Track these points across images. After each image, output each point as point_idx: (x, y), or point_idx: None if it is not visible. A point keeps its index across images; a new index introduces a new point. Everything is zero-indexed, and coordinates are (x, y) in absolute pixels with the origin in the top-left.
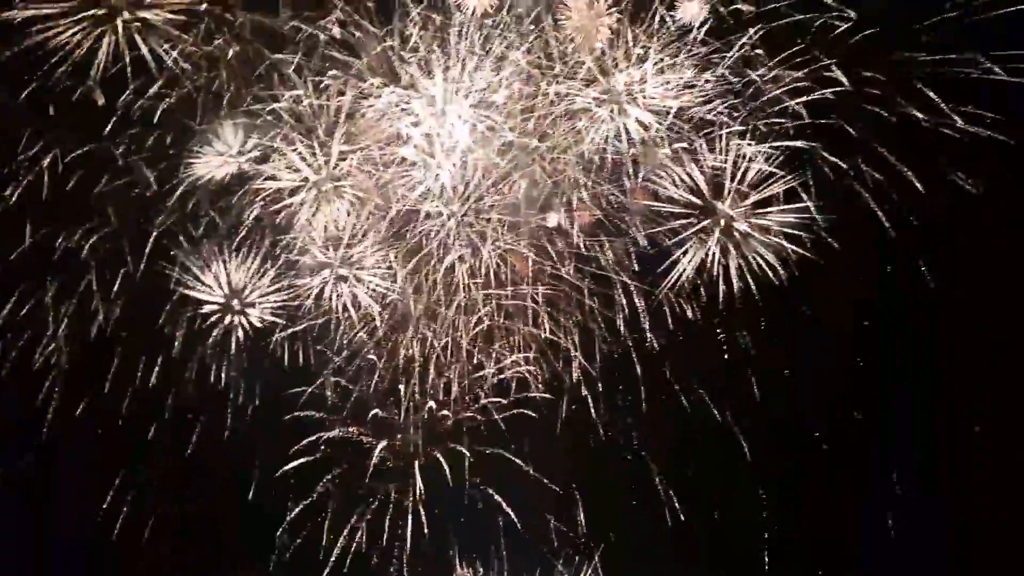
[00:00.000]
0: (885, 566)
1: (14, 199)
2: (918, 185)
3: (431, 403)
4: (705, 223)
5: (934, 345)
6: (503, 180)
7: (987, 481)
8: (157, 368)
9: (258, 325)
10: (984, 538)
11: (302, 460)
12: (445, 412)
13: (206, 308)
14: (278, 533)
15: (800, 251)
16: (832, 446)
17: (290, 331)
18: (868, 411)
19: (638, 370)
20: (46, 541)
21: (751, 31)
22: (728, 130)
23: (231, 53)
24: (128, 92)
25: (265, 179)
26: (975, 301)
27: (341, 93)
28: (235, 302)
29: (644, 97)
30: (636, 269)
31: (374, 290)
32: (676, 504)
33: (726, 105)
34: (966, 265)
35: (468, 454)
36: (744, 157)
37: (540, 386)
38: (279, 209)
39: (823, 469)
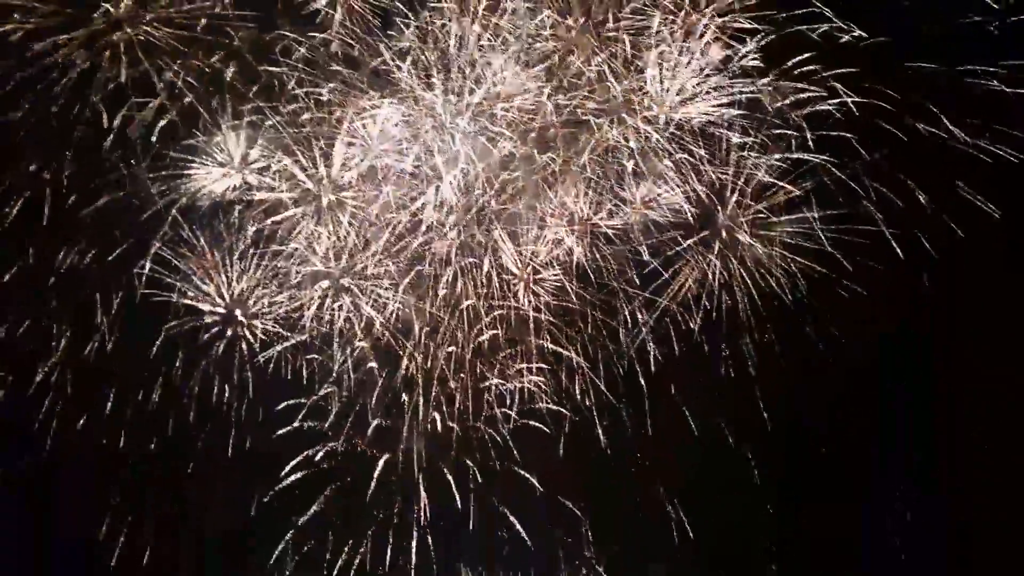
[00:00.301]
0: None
1: (14, 214)
2: (922, 197)
3: (435, 414)
4: (706, 233)
5: (934, 348)
6: (504, 191)
7: (987, 481)
8: (160, 380)
9: (262, 336)
10: (984, 538)
11: (303, 473)
12: (450, 424)
13: (208, 319)
14: (280, 547)
15: (803, 262)
16: (838, 457)
17: (292, 342)
18: (870, 416)
19: (642, 382)
20: (46, 541)
21: (751, 43)
22: (730, 141)
23: (231, 69)
24: (127, 106)
25: (266, 190)
26: (975, 305)
27: (341, 105)
28: (237, 312)
29: (644, 108)
30: (637, 281)
31: (376, 300)
32: (682, 515)
33: (728, 116)
34: (964, 270)
35: (473, 466)
36: (746, 168)
37: (545, 397)
38: (280, 220)
39: (830, 481)
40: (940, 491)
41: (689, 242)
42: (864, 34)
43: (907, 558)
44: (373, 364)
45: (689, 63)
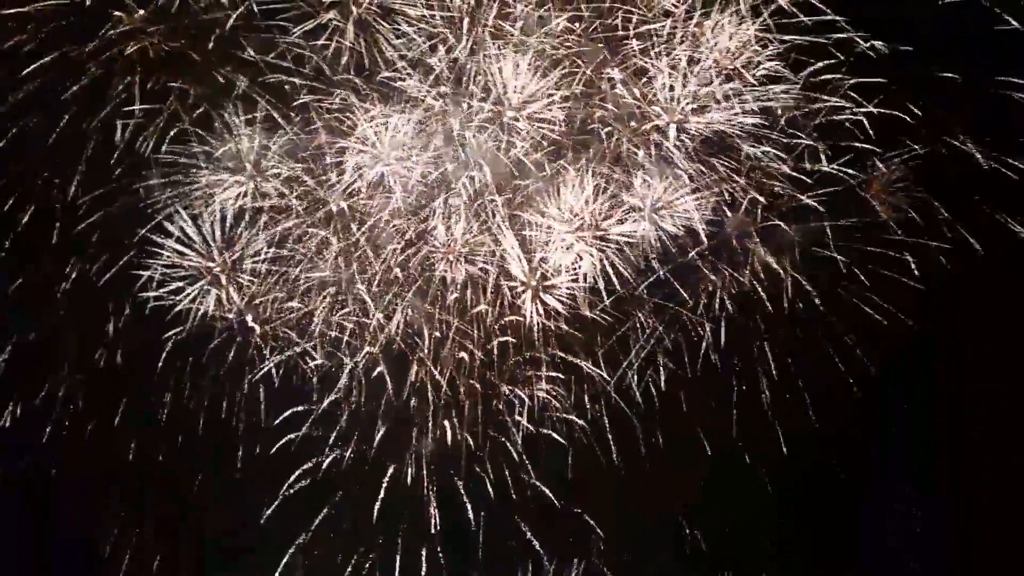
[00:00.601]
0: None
1: (25, 221)
2: (940, 209)
3: (444, 422)
4: (716, 242)
5: (935, 349)
6: (514, 198)
7: (987, 481)
8: (169, 387)
9: (271, 343)
10: (984, 538)
11: (311, 480)
12: (460, 432)
13: (217, 325)
14: (289, 554)
15: (814, 270)
16: (840, 458)
17: (301, 348)
18: (871, 417)
19: (653, 391)
20: (46, 541)
21: (764, 53)
22: (741, 150)
23: (243, 79)
24: (139, 115)
25: (276, 197)
26: (975, 306)
27: (352, 113)
28: (247, 318)
29: (655, 116)
30: (645, 292)
31: (385, 307)
32: (692, 525)
33: (741, 125)
34: (965, 272)
35: (483, 474)
36: (758, 176)
37: (556, 406)
38: (290, 227)
39: (831, 482)
40: (940, 491)
41: (698, 250)
42: (879, 43)
43: (907, 558)
44: (382, 368)
45: (698, 73)
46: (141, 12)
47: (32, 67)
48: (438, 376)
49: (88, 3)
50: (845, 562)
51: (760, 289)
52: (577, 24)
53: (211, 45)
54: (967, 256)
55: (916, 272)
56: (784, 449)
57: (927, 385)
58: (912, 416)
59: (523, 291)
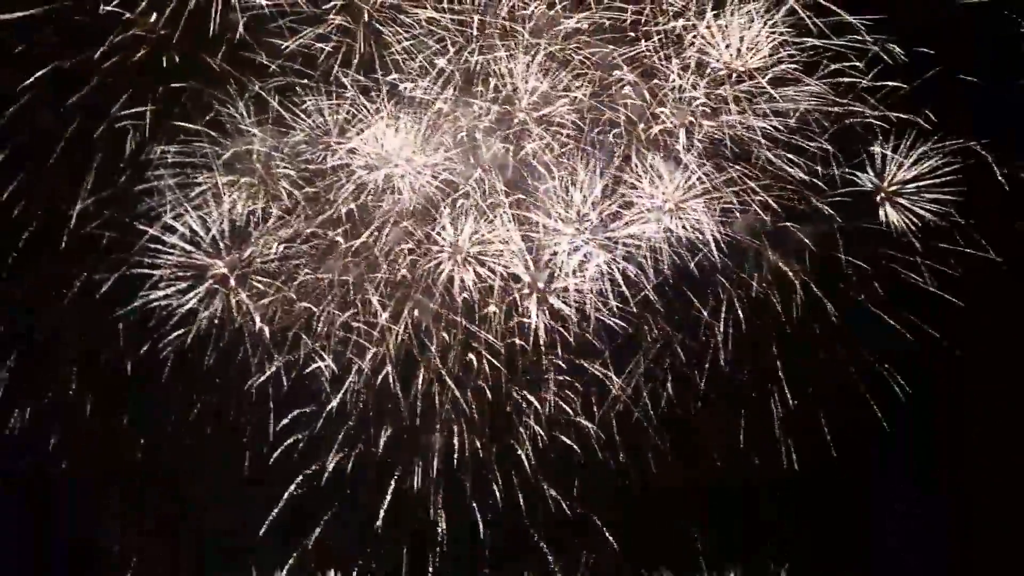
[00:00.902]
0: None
1: (35, 225)
2: (954, 213)
3: (453, 425)
4: (728, 243)
5: (936, 349)
6: (524, 199)
7: (987, 481)
8: (176, 389)
9: (280, 344)
10: (984, 538)
11: (318, 482)
12: (468, 434)
13: (226, 326)
14: (295, 556)
15: (828, 276)
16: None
17: (308, 349)
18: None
19: (662, 394)
20: (46, 541)
21: (777, 55)
22: (752, 152)
23: (253, 84)
24: (148, 118)
25: (287, 199)
26: (975, 306)
27: (361, 115)
28: (256, 318)
29: (667, 116)
30: (654, 295)
31: (393, 307)
32: (700, 532)
33: (753, 126)
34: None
35: (491, 476)
36: (770, 178)
37: (566, 409)
38: (300, 228)
39: (831, 482)
40: (940, 491)
41: (707, 253)
42: (895, 46)
43: (907, 558)
44: (390, 370)
45: (709, 74)
46: (153, 16)
47: (42, 71)
48: (446, 378)
49: (100, 8)
50: (846, 562)
51: (771, 293)
52: (588, 25)
53: (222, 48)
54: (977, 260)
55: (928, 276)
56: (791, 451)
57: (927, 385)
58: (912, 416)
59: (529, 293)
